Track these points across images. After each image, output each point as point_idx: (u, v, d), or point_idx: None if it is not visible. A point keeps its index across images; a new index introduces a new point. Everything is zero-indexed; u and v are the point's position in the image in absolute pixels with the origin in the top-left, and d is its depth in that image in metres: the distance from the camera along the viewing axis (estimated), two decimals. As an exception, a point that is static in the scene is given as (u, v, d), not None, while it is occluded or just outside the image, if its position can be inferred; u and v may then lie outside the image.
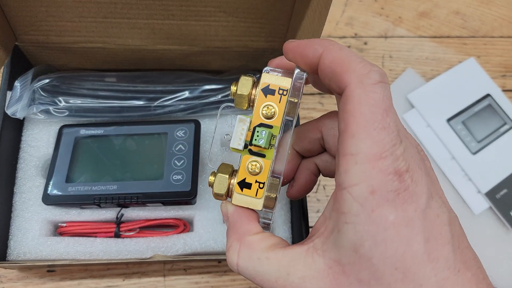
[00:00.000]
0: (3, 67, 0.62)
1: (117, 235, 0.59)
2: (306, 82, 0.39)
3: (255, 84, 0.39)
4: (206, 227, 0.60)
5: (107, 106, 0.63)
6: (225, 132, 0.63)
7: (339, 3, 0.88)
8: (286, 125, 0.39)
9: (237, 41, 0.65)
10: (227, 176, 0.39)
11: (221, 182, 0.39)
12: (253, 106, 0.39)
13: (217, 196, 0.39)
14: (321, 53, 0.34)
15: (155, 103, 0.64)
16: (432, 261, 0.30)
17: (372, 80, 0.31)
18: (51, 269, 0.63)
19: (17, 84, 0.63)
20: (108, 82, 0.65)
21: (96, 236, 0.60)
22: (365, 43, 0.85)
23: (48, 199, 0.58)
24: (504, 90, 0.82)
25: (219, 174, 0.39)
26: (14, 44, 0.63)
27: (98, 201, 0.58)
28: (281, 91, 0.38)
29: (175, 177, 0.59)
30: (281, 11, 0.60)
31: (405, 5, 0.89)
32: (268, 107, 0.38)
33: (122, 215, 0.60)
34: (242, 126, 0.38)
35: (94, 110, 0.63)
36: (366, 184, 0.30)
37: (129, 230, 0.60)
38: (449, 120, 0.79)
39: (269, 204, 0.38)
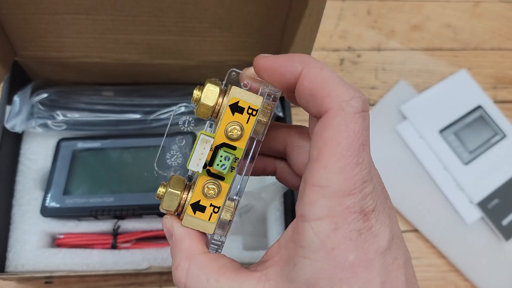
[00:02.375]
0: (2, 82, 0.63)
1: (114, 247, 0.60)
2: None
3: (222, 93, 0.35)
4: (202, 238, 0.60)
5: (104, 119, 0.65)
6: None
7: (332, 17, 0.89)
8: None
9: (231, 55, 0.66)
10: (179, 193, 0.35)
11: (172, 199, 0.34)
12: (216, 117, 0.35)
13: (165, 211, 0.35)
14: (300, 71, 0.31)
15: (151, 117, 0.65)
16: None
17: (354, 109, 0.29)
18: (49, 281, 0.64)
19: (16, 98, 0.64)
20: (105, 96, 0.66)
21: (93, 248, 0.60)
22: (359, 56, 0.86)
23: (46, 211, 0.59)
24: (495, 102, 0.83)
25: (169, 189, 0.34)
26: (13, 60, 0.64)
27: (95, 213, 0.58)
28: (250, 111, 0.34)
29: None
30: (274, 26, 0.61)
31: (398, 19, 0.91)
32: (234, 128, 0.34)
33: (119, 227, 0.61)
34: (203, 146, 0.34)
35: (91, 124, 0.65)
36: (330, 221, 0.28)
37: (126, 242, 0.60)
38: (441, 131, 0.80)
39: (223, 228, 0.35)
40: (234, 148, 0.34)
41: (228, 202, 0.35)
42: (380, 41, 0.88)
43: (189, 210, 0.34)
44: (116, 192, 0.60)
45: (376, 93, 0.83)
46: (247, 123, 0.34)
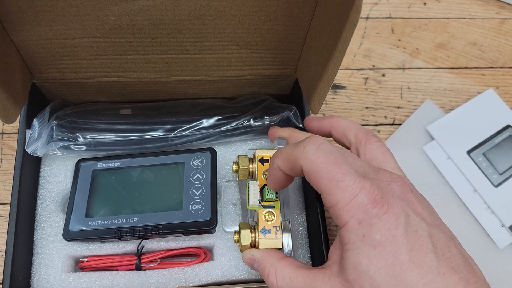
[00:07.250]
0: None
1: (139, 267, 0.62)
2: None
3: (250, 160, 0.58)
4: (227, 255, 0.63)
5: (126, 139, 0.68)
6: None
7: (356, 36, 0.94)
8: None
9: (249, 70, 0.70)
10: (249, 231, 0.54)
11: (246, 236, 0.53)
12: (252, 175, 0.58)
13: (244, 247, 0.53)
14: (329, 130, 0.58)
15: (173, 134, 0.68)
16: (417, 267, 0.40)
17: (310, 152, 0.45)
18: (73, 306, 0.66)
19: (35, 122, 0.67)
20: (124, 115, 0.69)
21: (117, 270, 0.63)
22: (383, 75, 0.91)
23: (69, 235, 0.61)
24: (525, 121, 0.86)
25: (242, 230, 0.54)
26: (31, 83, 0.68)
27: (119, 234, 0.60)
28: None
29: (194, 206, 0.62)
30: (293, 42, 0.65)
31: (422, 37, 0.95)
32: (267, 172, 0.55)
33: (143, 247, 0.63)
34: (254, 189, 0.56)
35: (112, 144, 0.67)
36: (353, 219, 0.42)
37: (150, 262, 0.63)
38: (469, 152, 0.82)
39: (286, 241, 0.53)
40: None
41: (283, 222, 0.54)
42: (405, 59, 0.92)
43: (260, 235, 0.53)
44: (139, 212, 0.62)
45: (402, 112, 0.87)
46: None
